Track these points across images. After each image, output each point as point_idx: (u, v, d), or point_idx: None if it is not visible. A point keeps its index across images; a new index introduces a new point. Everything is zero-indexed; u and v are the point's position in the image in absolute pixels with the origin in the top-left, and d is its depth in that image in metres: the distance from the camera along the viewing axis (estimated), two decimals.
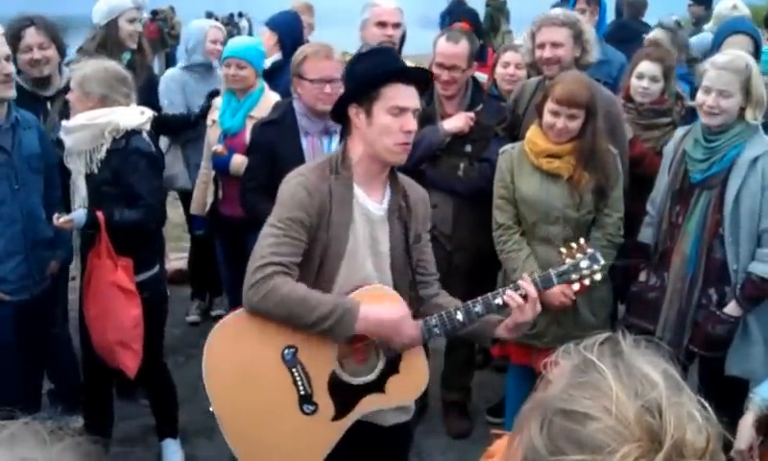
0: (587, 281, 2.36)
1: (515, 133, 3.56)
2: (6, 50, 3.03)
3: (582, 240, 2.42)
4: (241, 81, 3.99)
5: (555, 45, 3.46)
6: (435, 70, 3.49)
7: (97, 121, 3.13)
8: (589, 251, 2.36)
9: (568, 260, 2.34)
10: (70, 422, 3.74)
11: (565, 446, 0.84)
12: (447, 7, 6.29)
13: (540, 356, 3.76)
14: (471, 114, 3.47)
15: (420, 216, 2.38)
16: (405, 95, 2.18)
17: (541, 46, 3.50)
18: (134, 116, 3.21)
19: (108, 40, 4.16)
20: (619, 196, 3.20)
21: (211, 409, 2.28)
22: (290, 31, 4.57)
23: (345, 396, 2.28)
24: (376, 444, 2.43)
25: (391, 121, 2.16)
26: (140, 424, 3.85)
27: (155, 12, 11.67)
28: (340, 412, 2.28)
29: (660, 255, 3.17)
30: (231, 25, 17.27)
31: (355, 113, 2.22)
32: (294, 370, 2.24)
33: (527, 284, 2.21)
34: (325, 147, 3.41)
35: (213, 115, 4.11)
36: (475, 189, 3.49)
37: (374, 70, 2.23)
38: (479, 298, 2.26)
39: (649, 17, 5.97)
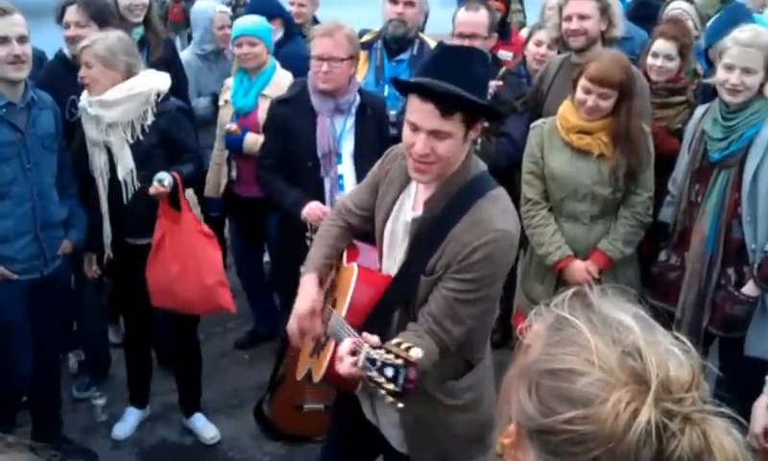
0: (379, 390, 1.80)
1: (538, 111, 3.55)
2: (19, 31, 2.97)
3: (410, 349, 1.79)
4: (254, 58, 3.96)
5: (582, 17, 3.48)
6: (455, 41, 3.48)
7: (141, 89, 3.21)
8: (399, 361, 1.76)
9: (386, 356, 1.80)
10: (95, 397, 3.83)
11: (557, 405, 0.84)
12: None
13: None
14: (492, 83, 3.43)
15: (449, 255, 2.03)
16: (418, 112, 1.95)
17: (568, 18, 3.52)
18: (166, 79, 3.34)
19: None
20: (650, 175, 3.17)
21: None
22: (273, 9, 4.54)
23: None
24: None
25: (407, 134, 1.99)
26: (161, 401, 3.90)
27: None
28: (315, 349, 2.38)
29: (680, 235, 3.16)
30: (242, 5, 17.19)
31: None
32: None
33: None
34: (338, 126, 3.36)
35: (225, 96, 4.09)
36: (493, 163, 3.45)
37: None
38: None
39: None
